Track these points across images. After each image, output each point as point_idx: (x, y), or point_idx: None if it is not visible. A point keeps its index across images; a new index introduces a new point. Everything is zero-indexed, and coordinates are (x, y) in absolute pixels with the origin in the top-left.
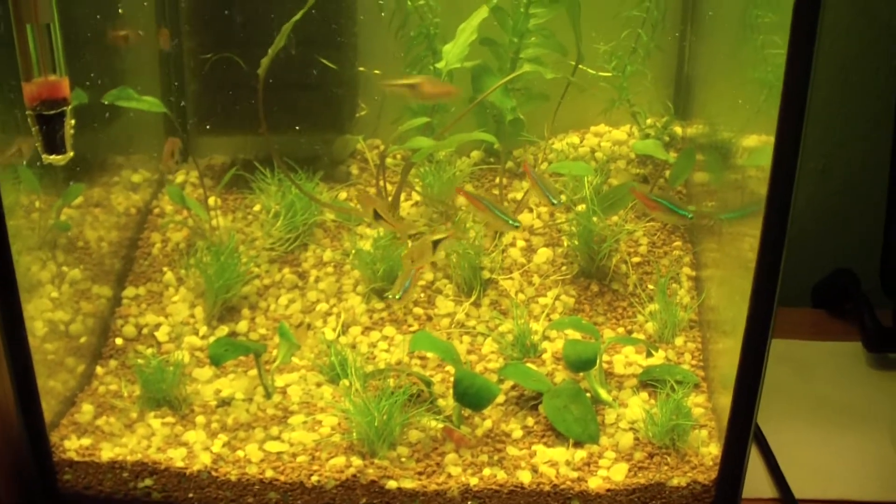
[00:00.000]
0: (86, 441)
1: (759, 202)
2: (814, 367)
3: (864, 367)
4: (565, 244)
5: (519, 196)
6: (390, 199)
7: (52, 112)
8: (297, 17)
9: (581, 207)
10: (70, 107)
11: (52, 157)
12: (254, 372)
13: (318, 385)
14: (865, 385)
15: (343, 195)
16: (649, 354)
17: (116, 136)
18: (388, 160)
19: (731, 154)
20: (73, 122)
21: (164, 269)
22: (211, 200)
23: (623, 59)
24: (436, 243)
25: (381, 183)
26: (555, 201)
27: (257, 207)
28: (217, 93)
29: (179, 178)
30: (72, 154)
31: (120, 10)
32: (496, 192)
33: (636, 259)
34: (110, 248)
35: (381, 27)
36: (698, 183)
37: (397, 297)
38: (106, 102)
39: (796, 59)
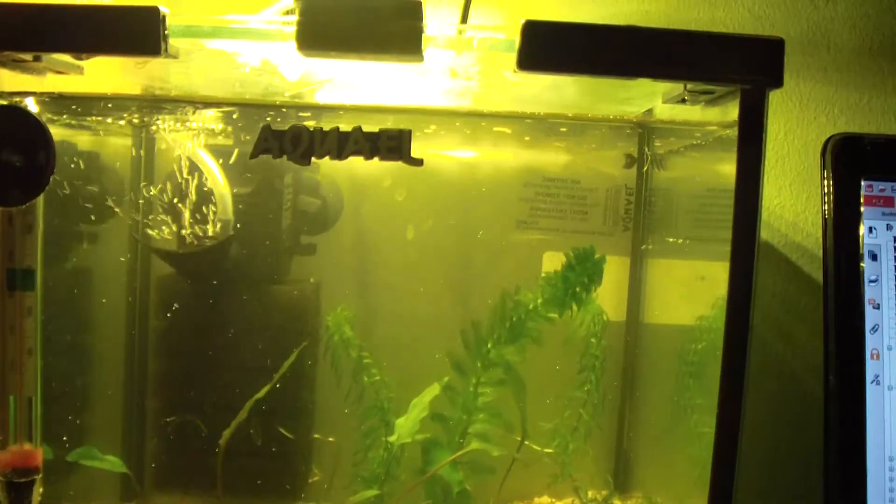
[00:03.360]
0: None
1: None
2: None
3: None
4: None
5: None
6: None
7: (23, 480)
8: (261, 393)
9: None
10: (40, 475)
11: None
12: None
13: None
14: None
15: None
16: None
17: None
18: None
19: None
20: (41, 489)
21: None
22: None
23: (566, 437)
24: None
25: None
26: None
27: None
28: (176, 453)
29: None
30: None
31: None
32: None
33: None
34: None
35: (338, 398)
36: None
37: None
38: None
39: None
